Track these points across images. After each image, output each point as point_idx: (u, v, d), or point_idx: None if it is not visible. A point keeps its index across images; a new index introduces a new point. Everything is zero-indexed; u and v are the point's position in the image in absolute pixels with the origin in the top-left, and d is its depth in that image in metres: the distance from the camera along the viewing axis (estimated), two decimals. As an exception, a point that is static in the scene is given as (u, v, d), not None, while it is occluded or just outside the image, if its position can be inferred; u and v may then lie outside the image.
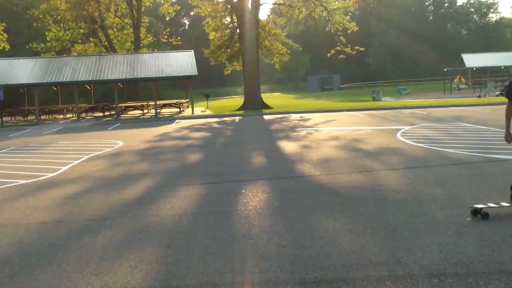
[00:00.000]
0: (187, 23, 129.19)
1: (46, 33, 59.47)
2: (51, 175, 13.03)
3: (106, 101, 51.64)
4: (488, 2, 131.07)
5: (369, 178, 10.56)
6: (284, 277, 5.32)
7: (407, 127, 20.87)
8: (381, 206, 8.09)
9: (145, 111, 45.34)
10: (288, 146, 16.72)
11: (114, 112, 42.56)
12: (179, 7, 70.66)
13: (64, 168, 14.04)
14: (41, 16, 57.66)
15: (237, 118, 33.71)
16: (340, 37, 44.47)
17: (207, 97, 49.83)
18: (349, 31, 46.06)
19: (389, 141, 16.56)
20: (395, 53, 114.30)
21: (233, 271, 5.59)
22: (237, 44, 45.45)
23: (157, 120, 34.73)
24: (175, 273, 5.59)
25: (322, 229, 7.00)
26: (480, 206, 7.32)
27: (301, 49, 56.63)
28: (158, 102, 42.25)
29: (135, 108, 45.48)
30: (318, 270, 5.45)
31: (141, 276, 5.56)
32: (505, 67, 68.84)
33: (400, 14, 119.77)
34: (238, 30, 44.54)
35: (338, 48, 45.25)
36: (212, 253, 6.19)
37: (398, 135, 18.18)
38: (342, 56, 45.59)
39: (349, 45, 44.42)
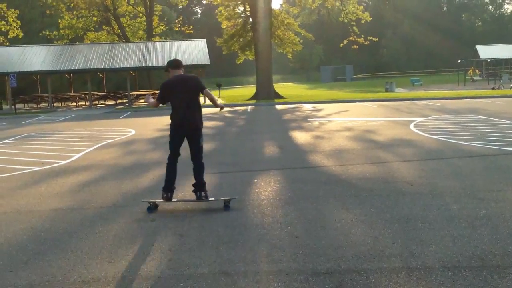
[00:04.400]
0: (200, 11, 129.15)
1: (59, 20, 59.61)
2: (64, 162, 13.08)
3: (119, 89, 51.73)
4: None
5: (382, 170, 10.51)
6: (297, 267, 5.30)
7: (420, 119, 20.74)
8: (394, 198, 8.05)
9: (158, 99, 45.31)
10: (300, 136, 16.68)
11: (126, 100, 42.65)
12: (192, -4, 70.56)
13: (77, 156, 14.10)
14: (54, 4, 57.77)
15: (249, 107, 33.69)
16: (354, 28, 44.27)
17: (219, 86, 49.80)
18: (362, 21, 45.81)
19: (402, 133, 16.47)
20: (409, 43, 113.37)
21: (245, 260, 5.58)
22: (250, 34, 45.35)
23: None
24: (188, 261, 5.59)
25: (335, 220, 6.98)
26: (153, 200, 8.09)
27: (314, 39, 56.30)
28: (170, 91, 42.21)
29: (148, 96, 45.43)
30: (331, 261, 5.43)
31: (154, 264, 5.57)
32: (520, 59, 68.26)
33: (415, 5, 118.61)
34: (250, 19, 44.41)
35: (351, 38, 45.08)
36: (224, 243, 6.19)
37: (411, 126, 18.08)
38: (355, 46, 45.34)
39: (363, 36, 44.18)
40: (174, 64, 8.23)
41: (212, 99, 8.09)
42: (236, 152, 14.18)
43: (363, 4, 56.23)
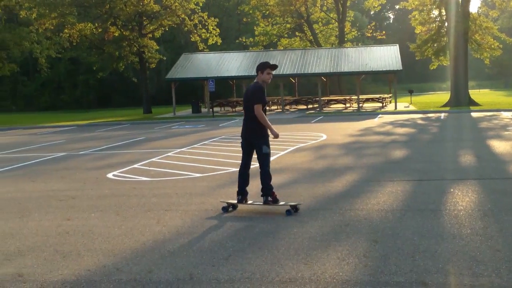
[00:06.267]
0: (392, 17, 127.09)
1: (255, 27, 62.12)
2: (258, 164, 13.56)
3: (309, 94, 52.58)
4: None
5: None
6: (500, 283, 5.03)
7: None
8: None
9: (347, 105, 45.47)
10: (499, 146, 15.77)
11: (317, 105, 43.24)
12: (385, 1, 69.68)
13: (271, 159, 14.53)
14: (250, 12, 60.43)
15: (442, 114, 32.54)
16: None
17: (411, 92, 48.74)
18: None
19: None
20: None
21: (443, 271, 5.41)
22: (445, 38, 43.78)
23: (360, 115, 34.66)
24: (383, 269, 5.55)
25: (542, 236, 6.52)
26: (230, 201, 8.76)
27: (515, 43, 52.91)
28: (360, 97, 42.15)
29: (338, 101, 45.74)
30: (539, 280, 5.08)
31: (349, 269, 5.60)
32: None
33: None
34: (446, 24, 42.89)
35: (558, 41, 41.77)
36: (420, 252, 6.05)
37: None
38: (562, 50, 41.99)
39: None
40: (257, 67, 8.68)
41: (262, 118, 8.38)
42: (429, 159, 13.76)
43: None
